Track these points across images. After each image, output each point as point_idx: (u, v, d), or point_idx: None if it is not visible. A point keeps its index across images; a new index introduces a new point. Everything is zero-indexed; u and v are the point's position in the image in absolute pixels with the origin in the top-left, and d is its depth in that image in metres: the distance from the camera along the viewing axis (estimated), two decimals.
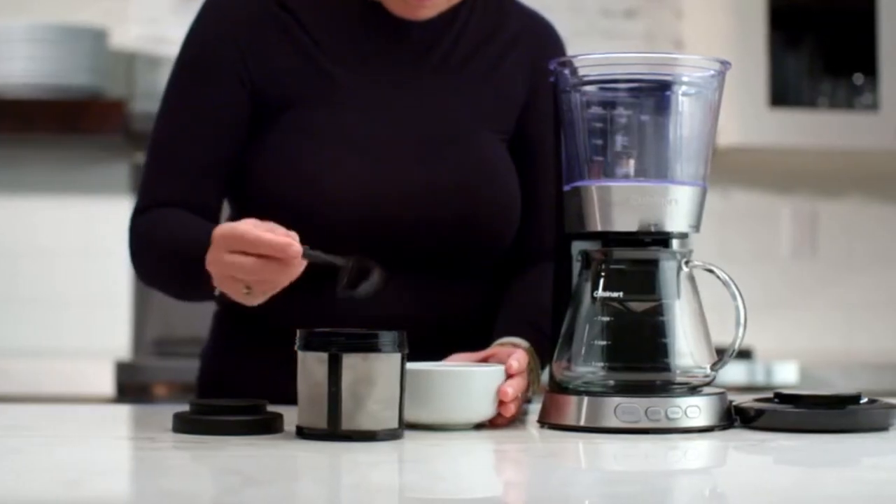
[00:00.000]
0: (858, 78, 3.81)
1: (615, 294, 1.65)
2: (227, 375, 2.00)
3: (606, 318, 1.65)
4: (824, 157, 3.85)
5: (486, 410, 1.67)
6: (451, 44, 1.94)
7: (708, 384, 1.69)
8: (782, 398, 1.68)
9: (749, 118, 3.69)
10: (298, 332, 1.58)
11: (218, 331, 2.04)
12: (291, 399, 1.89)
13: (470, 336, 1.90)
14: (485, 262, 1.94)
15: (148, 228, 1.91)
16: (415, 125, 1.89)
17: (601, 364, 1.65)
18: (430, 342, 1.83)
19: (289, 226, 1.69)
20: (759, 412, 1.66)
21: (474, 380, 1.66)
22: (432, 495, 1.30)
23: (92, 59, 3.55)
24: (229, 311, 2.00)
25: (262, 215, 1.84)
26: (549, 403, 1.68)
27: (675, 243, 1.70)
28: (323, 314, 1.86)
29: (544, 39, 1.99)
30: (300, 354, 1.58)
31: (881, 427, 1.66)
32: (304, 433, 1.57)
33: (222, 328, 2.03)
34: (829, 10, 3.85)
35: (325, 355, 1.54)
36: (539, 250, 1.93)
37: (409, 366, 1.65)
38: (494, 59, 1.94)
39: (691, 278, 1.69)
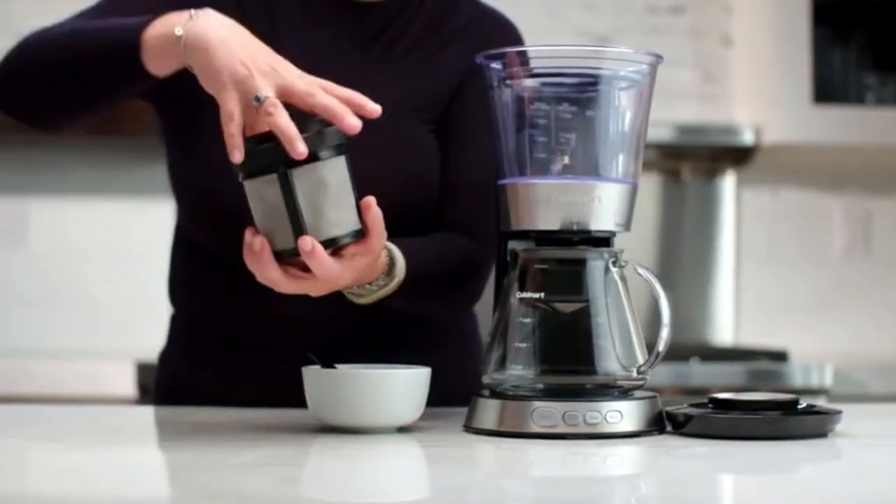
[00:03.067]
0: None
1: (537, 295, 1.60)
2: (184, 379, 1.98)
3: (529, 320, 1.60)
4: (876, 154, 3.75)
5: (408, 413, 1.63)
6: (400, 30, 1.91)
7: (639, 387, 1.63)
8: (716, 403, 1.62)
9: (792, 115, 3.60)
10: (237, 164, 1.53)
11: (174, 335, 2.03)
12: (247, 402, 1.88)
13: (401, 330, 1.88)
14: None
15: (55, 30, 1.77)
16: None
17: (522, 367, 1.60)
18: (364, 338, 1.83)
19: (224, 216, 1.68)
20: (688, 417, 1.60)
21: (396, 382, 1.62)
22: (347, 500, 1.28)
23: None
24: (184, 314, 1.99)
25: (197, 208, 1.82)
26: (474, 407, 1.64)
27: (612, 242, 1.65)
28: (266, 315, 1.85)
29: (496, 35, 1.94)
30: (247, 185, 1.55)
31: (818, 434, 1.59)
32: (280, 256, 1.55)
33: (178, 332, 2.02)
34: (876, 4, 3.74)
35: (273, 177, 1.51)
36: (455, 227, 1.88)
37: (331, 371, 1.63)
38: (437, 47, 1.91)
39: (622, 278, 1.63)
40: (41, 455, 1.52)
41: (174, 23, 1.60)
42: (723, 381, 3.25)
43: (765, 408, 1.60)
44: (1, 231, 3.80)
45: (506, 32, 1.96)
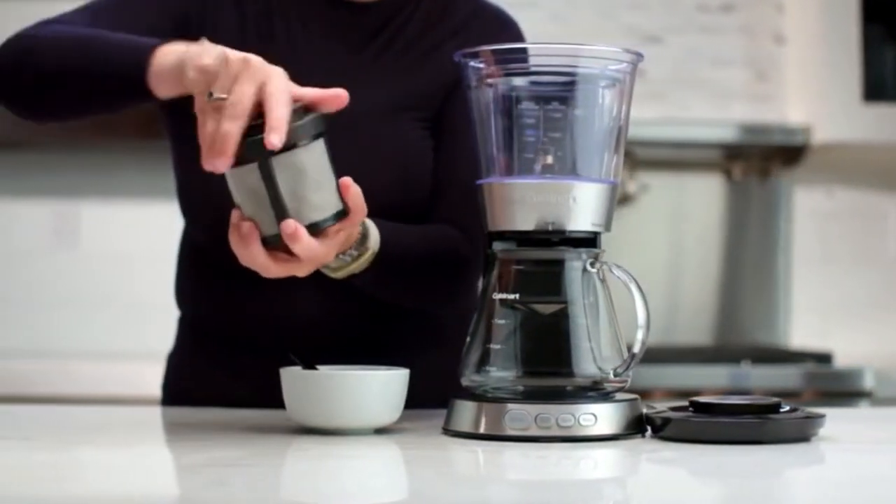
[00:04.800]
0: None
1: (513, 296, 1.58)
2: (189, 381, 1.99)
3: (506, 321, 1.59)
4: None
5: (386, 415, 1.62)
6: (397, 29, 1.90)
7: (621, 389, 1.61)
8: (697, 406, 1.59)
9: (843, 113, 3.55)
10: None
11: (181, 336, 2.04)
12: (249, 403, 1.88)
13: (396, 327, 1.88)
14: None
15: (63, 28, 1.77)
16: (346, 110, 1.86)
17: (498, 369, 1.58)
18: (369, 340, 1.84)
19: (224, 220, 1.68)
20: (666, 421, 1.57)
21: (373, 384, 1.61)
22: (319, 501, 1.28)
23: None
24: (190, 316, 2.00)
25: (199, 212, 1.83)
26: (452, 409, 1.62)
27: (599, 242, 1.62)
28: (267, 317, 1.85)
29: (495, 31, 1.92)
30: (228, 175, 1.54)
31: (800, 438, 1.56)
32: (265, 242, 1.56)
33: (184, 334, 2.03)
34: None
35: (254, 166, 1.51)
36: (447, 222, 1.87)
37: (307, 372, 1.62)
38: (434, 45, 1.89)
39: (602, 280, 1.60)
40: (38, 455, 1.52)
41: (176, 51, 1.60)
42: (765, 383, 3.21)
43: (746, 411, 1.57)
44: (52, 233, 3.85)
45: (505, 28, 1.94)
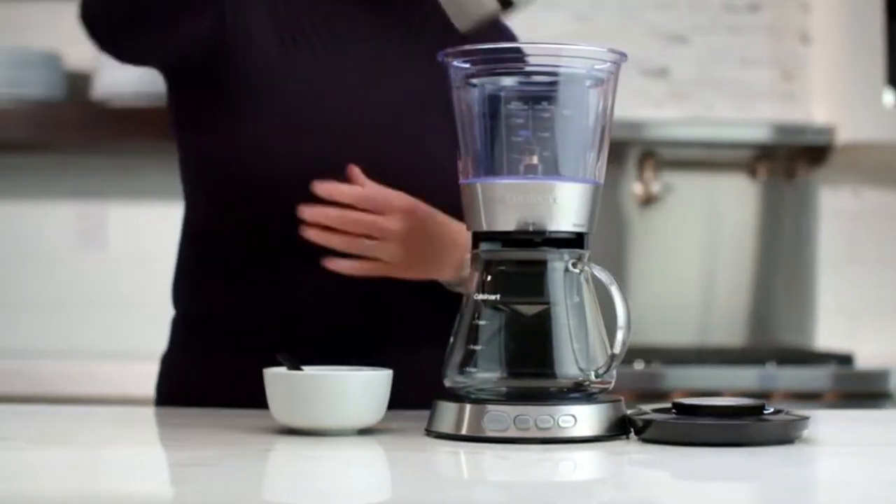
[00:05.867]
0: None
1: (494, 296, 1.58)
2: (183, 381, 1.99)
3: (487, 322, 1.58)
4: None
5: (368, 415, 1.62)
6: (424, 19, 1.93)
7: (605, 390, 1.60)
8: (680, 408, 1.58)
9: (868, 113, 3.52)
10: None
11: (175, 336, 2.04)
12: (246, 403, 1.88)
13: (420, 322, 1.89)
14: None
15: None
16: (381, 102, 1.88)
17: (479, 370, 1.58)
18: (372, 339, 1.85)
19: (248, 200, 1.75)
20: (647, 423, 1.56)
21: (355, 384, 1.61)
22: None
23: None
24: (187, 315, 2.01)
25: (222, 189, 1.87)
26: (435, 410, 1.62)
27: (586, 243, 1.61)
28: (267, 314, 1.87)
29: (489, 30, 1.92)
30: None
31: (783, 440, 1.54)
32: None
33: (178, 334, 2.03)
34: None
35: None
36: None
37: (290, 373, 1.62)
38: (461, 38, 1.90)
39: (587, 280, 1.60)
40: (34, 454, 1.53)
41: None
42: (790, 385, 3.19)
43: (729, 413, 1.55)
44: (80, 235, 3.87)
45: (496, 29, 1.94)
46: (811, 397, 3.17)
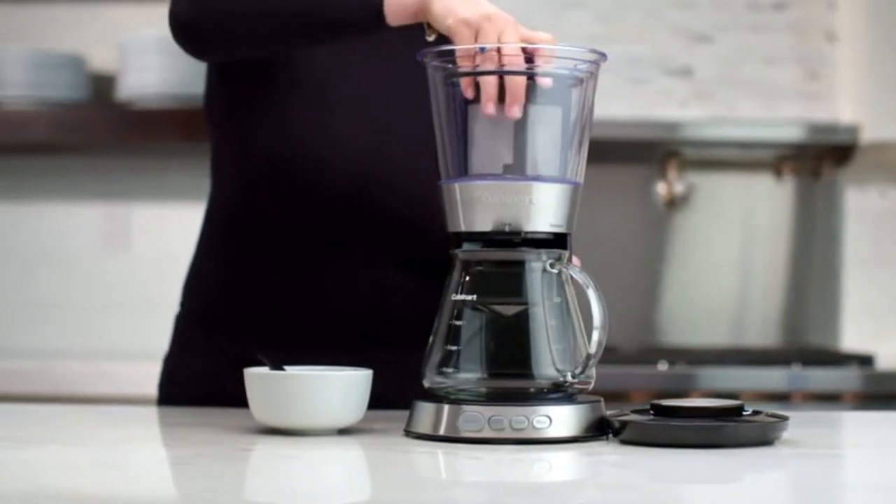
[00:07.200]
0: None
1: (471, 297, 1.57)
2: (186, 379, 2.00)
3: (463, 322, 1.58)
4: None
5: (348, 415, 1.62)
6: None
7: (584, 391, 1.59)
8: (658, 410, 1.57)
9: (894, 112, 3.48)
10: None
11: (178, 335, 2.05)
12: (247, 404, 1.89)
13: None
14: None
15: None
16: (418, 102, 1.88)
17: (456, 370, 1.58)
18: (374, 340, 1.86)
19: (283, 192, 1.80)
20: (624, 424, 1.55)
21: (334, 384, 1.61)
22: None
23: None
24: (195, 312, 2.01)
25: (256, 182, 1.91)
26: (413, 411, 1.62)
27: (569, 243, 1.60)
28: (276, 312, 1.88)
29: None
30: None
31: (761, 442, 1.53)
32: None
33: (182, 332, 2.04)
34: None
35: None
36: None
37: (270, 372, 1.62)
38: None
39: (566, 281, 1.59)
40: (31, 454, 1.55)
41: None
42: (815, 386, 3.16)
43: (707, 415, 1.54)
44: (105, 236, 3.89)
45: None
46: (833, 398, 3.15)
